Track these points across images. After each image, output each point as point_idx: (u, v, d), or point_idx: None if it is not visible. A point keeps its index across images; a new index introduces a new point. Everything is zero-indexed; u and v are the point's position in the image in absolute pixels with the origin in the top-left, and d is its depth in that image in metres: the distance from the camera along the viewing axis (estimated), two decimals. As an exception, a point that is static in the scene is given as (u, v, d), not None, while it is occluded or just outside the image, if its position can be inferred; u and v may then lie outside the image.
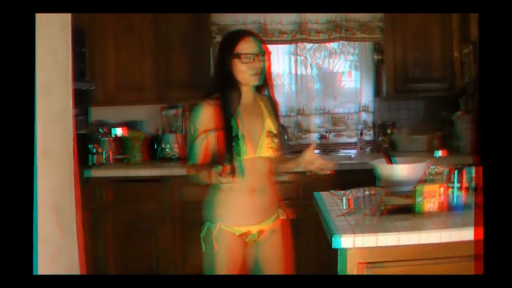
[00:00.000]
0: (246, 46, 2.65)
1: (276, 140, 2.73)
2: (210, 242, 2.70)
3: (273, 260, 2.76)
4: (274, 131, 2.73)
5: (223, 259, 2.68)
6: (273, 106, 2.83)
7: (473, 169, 2.74)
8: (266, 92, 2.81)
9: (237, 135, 2.63)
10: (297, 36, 4.80)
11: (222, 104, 2.65)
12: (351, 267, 2.24)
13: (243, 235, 2.69)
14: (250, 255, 2.76)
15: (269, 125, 2.74)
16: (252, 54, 2.64)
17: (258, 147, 2.67)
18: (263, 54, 2.68)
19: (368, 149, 4.97)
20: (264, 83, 2.75)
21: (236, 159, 2.61)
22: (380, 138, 4.97)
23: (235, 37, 2.71)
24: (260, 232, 2.72)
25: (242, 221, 2.68)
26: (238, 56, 2.64)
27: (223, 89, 2.68)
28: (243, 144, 2.63)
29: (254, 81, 2.68)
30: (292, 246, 2.82)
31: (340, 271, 2.25)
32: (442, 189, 2.49)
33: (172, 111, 4.90)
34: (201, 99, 2.71)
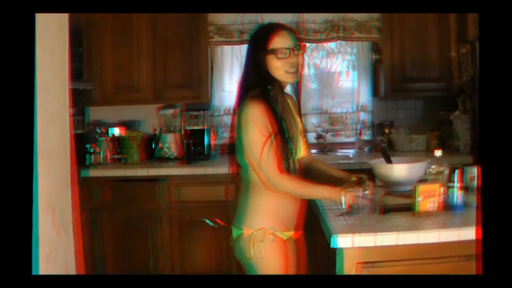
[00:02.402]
0: (280, 40, 2.48)
1: (306, 139, 2.65)
2: (259, 249, 2.50)
3: (297, 263, 2.72)
4: (303, 130, 2.66)
5: (279, 266, 2.54)
6: (295, 102, 2.71)
7: (473, 169, 2.74)
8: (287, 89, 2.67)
9: (288, 137, 2.51)
10: (295, 36, 4.79)
11: (270, 104, 2.47)
12: (350, 267, 2.23)
13: (288, 240, 2.59)
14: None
15: (300, 124, 2.66)
16: (288, 48, 2.47)
17: (298, 148, 2.58)
18: (298, 48, 2.52)
19: (366, 149, 4.97)
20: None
21: (291, 162, 2.51)
22: (378, 138, 4.98)
23: (268, 31, 2.53)
24: (297, 236, 2.66)
25: (289, 225, 2.57)
26: (273, 52, 2.47)
27: (265, 88, 2.50)
28: (292, 146, 2.52)
29: (291, 78, 2.52)
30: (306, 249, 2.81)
31: (338, 271, 2.25)
32: (441, 188, 2.49)
33: (170, 111, 4.90)
34: (249, 98, 2.48)
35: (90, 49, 4.63)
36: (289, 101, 2.69)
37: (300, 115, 2.70)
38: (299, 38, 2.65)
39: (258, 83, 2.52)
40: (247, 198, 2.57)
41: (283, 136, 2.47)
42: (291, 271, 2.64)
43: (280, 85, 2.57)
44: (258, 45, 2.52)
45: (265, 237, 2.50)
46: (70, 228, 1.95)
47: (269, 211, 2.53)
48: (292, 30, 2.58)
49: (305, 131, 2.69)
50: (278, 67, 2.49)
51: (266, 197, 2.53)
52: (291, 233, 2.61)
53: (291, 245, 2.64)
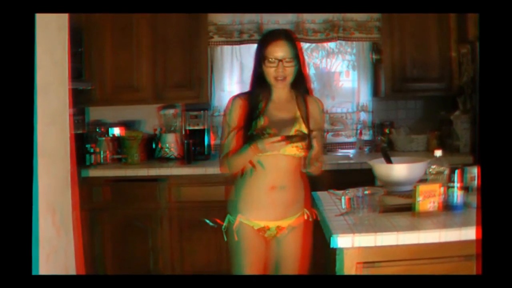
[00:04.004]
0: (273, 50, 2.67)
1: (305, 140, 2.69)
2: (231, 234, 2.76)
3: (290, 257, 2.79)
4: (305, 131, 2.70)
5: (243, 252, 2.75)
6: (311, 106, 2.80)
7: (473, 169, 2.74)
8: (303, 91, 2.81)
9: (254, 134, 2.67)
10: (295, 36, 4.80)
11: (250, 99, 2.74)
12: (349, 267, 2.24)
13: (261, 230, 2.74)
14: (270, 251, 2.80)
15: (300, 124, 2.72)
16: (277, 59, 2.66)
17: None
18: (290, 60, 2.68)
19: (366, 149, 4.97)
20: (298, 83, 2.76)
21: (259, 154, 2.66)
22: (378, 138, 4.97)
23: (267, 38, 2.74)
24: (279, 229, 2.75)
25: (260, 216, 2.73)
26: (264, 59, 2.68)
27: (254, 86, 2.76)
28: (256, 142, 2.64)
29: (280, 85, 2.71)
30: (311, 246, 2.83)
31: (338, 271, 2.25)
32: (441, 188, 2.49)
33: (170, 111, 4.90)
34: (237, 94, 2.85)
35: (90, 49, 4.62)
36: (299, 102, 2.78)
37: (304, 118, 2.75)
38: (301, 39, 2.75)
39: (252, 81, 2.78)
40: (234, 186, 2.84)
41: (246, 131, 2.67)
42: (263, 262, 2.78)
43: (279, 87, 2.73)
44: (258, 49, 2.75)
45: (229, 222, 2.78)
46: (70, 228, 1.95)
47: (241, 199, 2.76)
48: (293, 39, 2.74)
49: (302, 133, 2.70)
50: (269, 73, 2.71)
51: (241, 185, 2.77)
52: (264, 223, 2.73)
53: (271, 236, 2.76)
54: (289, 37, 2.74)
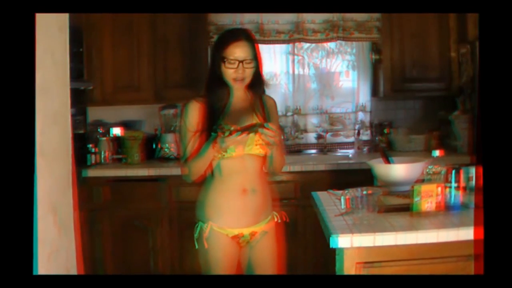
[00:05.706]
0: (233, 51, 2.62)
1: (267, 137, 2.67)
2: (202, 242, 2.70)
3: (264, 262, 2.75)
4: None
5: (216, 259, 2.69)
6: (268, 105, 2.80)
7: (471, 169, 2.74)
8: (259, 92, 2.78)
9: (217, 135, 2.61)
10: (294, 36, 4.80)
11: (208, 102, 2.67)
12: (349, 267, 2.24)
13: (236, 237, 2.69)
14: (243, 257, 2.76)
15: (260, 123, 2.69)
16: (237, 60, 2.61)
17: (247, 144, 2.63)
18: (251, 61, 2.64)
19: (365, 149, 4.97)
20: (256, 84, 2.73)
21: (223, 156, 2.62)
22: (377, 138, 4.98)
23: (226, 39, 2.68)
24: (252, 234, 2.71)
25: (234, 223, 2.67)
26: (224, 60, 2.62)
27: (211, 88, 2.70)
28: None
29: (238, 84, 2.67)
30: (285, 249, 2.82)
31: (338, 271, 2.25)
32: (439, 188, 2.49)
33: (171, 111, 4.90)
34: (192, 98, 2.73)
35: (90, 49, 4.63)
36: (256, 102, 2.75)
37: (264, 116, 2.74)
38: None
39: (208, 83, 2.71)
40: (202, 187, 2.78)
41: (208, 133, 2.61)
42: (237, 269, 2.73)
43: (237, 87, 2.69)
44: (217, 49, 2.69)
45: (201, 229, 2.72)
46: (71, 228, 1.95)
47: (211, 204, 2.71)
48: (252, 39, 2.69)
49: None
50: (227, 74, 2.65)
51: (206, 190, 2.74)
52: (238, 231, 2.68)
53: (244, 243, 2.71)
54: (249, 37, 2.69)
